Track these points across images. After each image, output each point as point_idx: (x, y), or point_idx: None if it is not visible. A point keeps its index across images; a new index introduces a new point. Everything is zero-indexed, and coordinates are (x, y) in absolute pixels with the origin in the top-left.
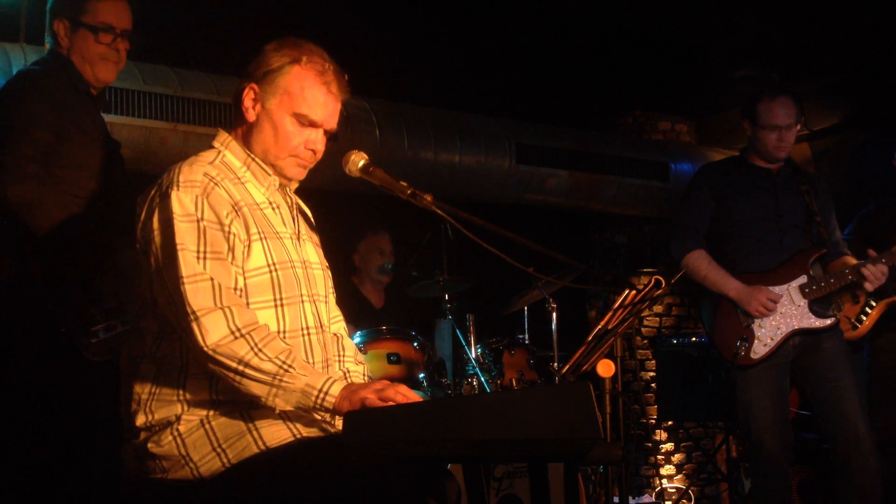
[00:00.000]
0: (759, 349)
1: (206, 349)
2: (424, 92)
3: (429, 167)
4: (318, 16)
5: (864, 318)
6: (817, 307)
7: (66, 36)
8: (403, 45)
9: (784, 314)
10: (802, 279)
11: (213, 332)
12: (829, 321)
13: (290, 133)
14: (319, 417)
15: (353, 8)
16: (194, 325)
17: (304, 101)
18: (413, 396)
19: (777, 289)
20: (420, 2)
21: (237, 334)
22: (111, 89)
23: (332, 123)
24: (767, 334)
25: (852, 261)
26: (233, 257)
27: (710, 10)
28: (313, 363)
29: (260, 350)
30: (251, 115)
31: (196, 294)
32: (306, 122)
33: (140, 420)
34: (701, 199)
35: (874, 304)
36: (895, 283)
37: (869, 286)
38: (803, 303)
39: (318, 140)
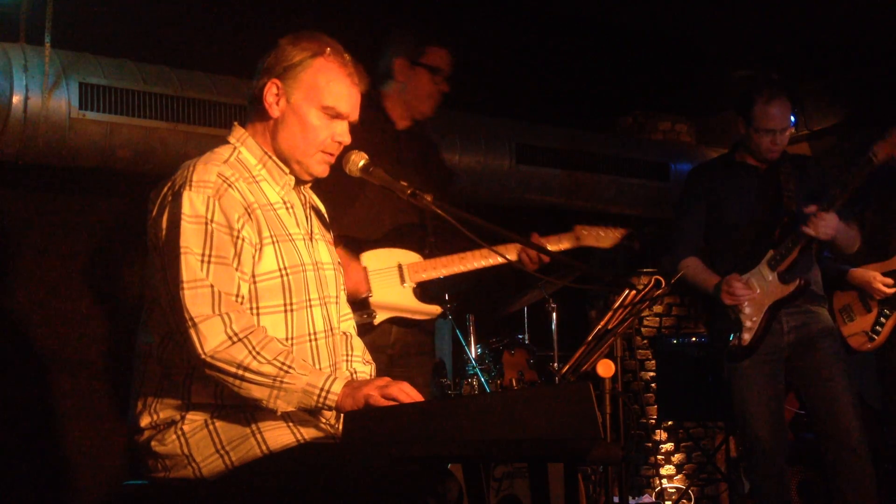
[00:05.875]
0: (746, 334)
1: (204, 356)
2: None
3: None
4: (317, 15)
5: (881, 329)
6: (786, 275)
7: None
8: None
9: (760, 292)
10: (769, 253)
11: (210, 338)
12: (793, 284)
13: (317, 127)
14: (324, 420)
15: (353, 8)
16: (192, 332)
17: (331, 93)
18: (416, 395)
19: (748, 273)
20: (419, 2)
21: (234, 339)
22: (110, 89)
23: (356, 115)
24: (750, 316)
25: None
26: (239, 263)
27: (710, 10)
28: (320, 369)
29: (258, 353)
30: (275, 112)
31: (195, 300)
32: (333, 115)
33: (145, 420)
34: (692, 206)
35: (888, 313)
36: None
37: (812, 231)
38: (772, 276)
39: (344, 132)
